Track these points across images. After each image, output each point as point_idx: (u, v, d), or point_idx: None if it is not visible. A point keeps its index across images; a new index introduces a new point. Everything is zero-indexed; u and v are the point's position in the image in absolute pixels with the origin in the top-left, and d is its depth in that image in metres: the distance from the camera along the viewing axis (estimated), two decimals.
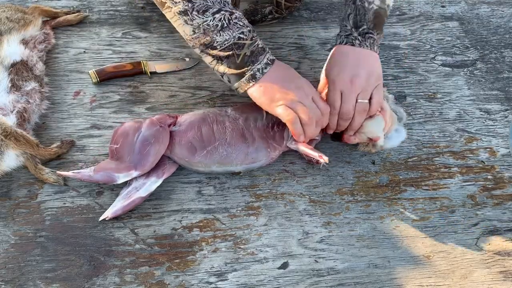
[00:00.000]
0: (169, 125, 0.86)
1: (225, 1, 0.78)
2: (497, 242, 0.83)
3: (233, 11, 0.78)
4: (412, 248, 0.81)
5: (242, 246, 0.80)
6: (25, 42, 0.95)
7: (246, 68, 0.78)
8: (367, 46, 0.84)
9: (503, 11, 1.22)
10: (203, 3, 0.76)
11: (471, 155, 0.94)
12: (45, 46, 1.01)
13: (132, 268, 0.77)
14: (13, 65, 0.90)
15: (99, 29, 1.09)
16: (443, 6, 1.21)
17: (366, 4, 0.85)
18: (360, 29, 0.84)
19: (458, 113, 1.00)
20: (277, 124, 0.87)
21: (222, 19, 0.76)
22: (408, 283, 0.78)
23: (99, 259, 0.77)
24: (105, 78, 0.98)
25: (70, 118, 0.93)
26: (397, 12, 1.19)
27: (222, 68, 0.79)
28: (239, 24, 0.77)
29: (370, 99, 0.83)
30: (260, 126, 0.87)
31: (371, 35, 0.84)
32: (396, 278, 0.78)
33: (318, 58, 1.07)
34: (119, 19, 1.11)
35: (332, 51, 0.87)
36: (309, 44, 1.09)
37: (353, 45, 0.84)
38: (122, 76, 0.99)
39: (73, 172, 0.83)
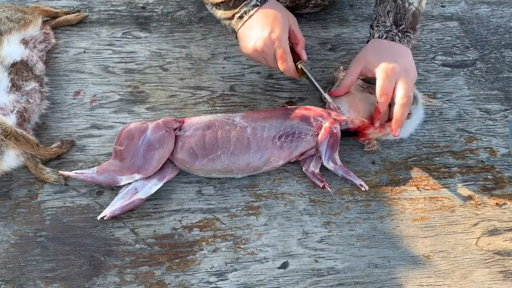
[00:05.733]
0: (175, 129, 0.85)
1: None
2: (497, 242, 0.83)
3: None
4: (412, 248, 0.81)
5: (242, 246, 0.80)
6: (25, 42, 0.95)
7: (235, 11, 0.83)
8: (405, 43, 0.91)
9: (503, 11, 1.22)
10: None
11: (471, 155, 0.94)
12: (45, 46, 1.01)
13: (132, 268, 0.77)
14: (13, 65, 0.90)
15: (99, 29, 1.09)
16: (443, 6, 1.21)
17: (407, 5, 0.91)
18: (400, 27, 0.91)
19: (458, 113, 1.00)
20: (286, 135, 0.86)
21: None
22: (408, 282, 0.78)
23: (99, 259, 0.77)
24: None
25: (70, 118, 0.93)
26: None
27: (219, 13, 0.86)
28: None
29: None
30: (267, 136, 0.85)
31: (408, 33, 0.91)
32: (396, 278, 0.78)
33: (318, 58, 1.07)
34: (119, 19, 1.11)
35: (370, 43, 0.92)
36: (309, 44, 1.09)
37: (393, 40, 0.90)
38: None
39: (75, 173, 0.83)
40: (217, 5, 0.85)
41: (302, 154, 0.87)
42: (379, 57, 0.88)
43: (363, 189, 0.85)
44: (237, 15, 0.83)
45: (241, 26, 0.84)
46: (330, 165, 0.86)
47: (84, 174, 0.82)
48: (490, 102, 1.03)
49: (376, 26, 0.93)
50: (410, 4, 0.90)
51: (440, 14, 1.20)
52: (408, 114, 0.89)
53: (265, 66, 0.91)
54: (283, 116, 0.88)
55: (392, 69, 0.86)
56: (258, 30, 0.83)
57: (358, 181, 0.86)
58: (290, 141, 0.86)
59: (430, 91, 1.03)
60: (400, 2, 0.90)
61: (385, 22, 0.91)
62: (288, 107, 0.93)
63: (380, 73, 0.87)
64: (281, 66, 0.85)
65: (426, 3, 1.20)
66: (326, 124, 0.87)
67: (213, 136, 0.84)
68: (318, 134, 0.87)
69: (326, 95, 0.89)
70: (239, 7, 0.83)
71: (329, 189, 0.85)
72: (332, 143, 0.86)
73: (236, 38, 0.87)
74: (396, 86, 0.86)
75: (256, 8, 0.83)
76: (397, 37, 0.90)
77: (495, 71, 1.08)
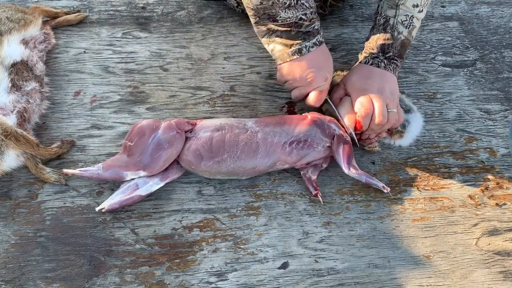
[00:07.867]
0: (186, 132, 0.85)
1: None
2: (497, 242, 0.83)
3: None
4: (412, 248, 0.81)
5: (242, 246, 0.80)
6: (25, 42, 0.95)
7: (296, 42, 0.85)
8: (390, 70, 0.91)
9: (503, 11, 1.22)
10: None
11: (471, 155, 0.94)
12: (45, 46, 1.01)
13: (132, 268, 0.77)
14: (13, 65, 0.90)
15: (99, 29, 1.09)
16: (443, 6, 1.22)
17: (395, 34, 0.92)
18: (387, 55, 0.92)
19: (458, 113, 1.00)
20: (297, 142, 0.85)
21: None
22: (408, 283, 0.78)
23: (99, 259, 0.77)
24: None
25: (70, 118, 0.94)
26: None
27: (273, 37, 0.86)
28: (305, 5, 0.83)
29: None
30: (278, 141, 0.85)
31: (395, 61, 0.92)
32: (396, 278, 0.78)
33: None
34: (119, 19, 1.11)
35: (355, 66, 0.94)
36: None
37: (378, 66, 0.91)
38: None
39: (80, 170, 0.82)
40: (277, 32, 0.85)
41: (308, 163, 0.87)
42: (355, 77, 0.91)
43: (385, 191, 0.85)
44: (296, 47, 0.85)
45: (297, 57, 0.85)
46: (352, 172, 0.85)
47: (89, 171, 0.82)
48: (490, 102, 1.03)
49: (364, 52, 0.95)
50: (399, 33, 0.91)
51: (440, 14, 1.20)
52: (402, 133, 0.92)
53: (286, 88, 0.93)
54: (297, 121, 0.87)
55: (363, 87, 0.88)
56: (314, 65, 0.86)
57: (381, 184, 0.85)
58: (301, 148, 0.85)
59: (430, 91, 1.03)
60: (390, 31, 0.92)
61: (373, 49, 0.93)
62: (304, 114, 0.91)
63: (351, 91, 0.89)
64: (315, 99, 0.88)
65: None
66: (339, 132, 0.87)
67: (220, 139, 0.84)
68: (330, 146, 0.86)
69: (349, 128, 0.88)
70: (300, 40, 0.85)
71: (320, 199, 0.85)
72: (348, 150, 0.86)
73: (279, 64, 0.88)
74: (373, 105, 0.87)
75: (315, 47, 0.86)
76: (382, 64, 0.91)
77: (495, 71, 1.08)
